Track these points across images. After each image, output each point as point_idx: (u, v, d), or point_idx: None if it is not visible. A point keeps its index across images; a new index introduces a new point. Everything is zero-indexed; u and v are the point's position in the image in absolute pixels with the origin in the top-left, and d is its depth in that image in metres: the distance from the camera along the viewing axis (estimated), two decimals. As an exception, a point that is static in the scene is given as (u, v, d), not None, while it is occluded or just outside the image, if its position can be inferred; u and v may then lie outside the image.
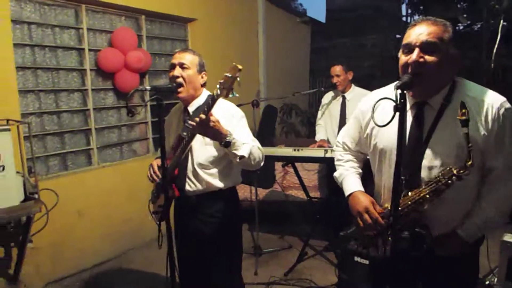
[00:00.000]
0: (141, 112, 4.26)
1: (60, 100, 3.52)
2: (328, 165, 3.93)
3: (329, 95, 3.93)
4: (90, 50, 3.68)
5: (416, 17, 8.13)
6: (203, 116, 1.67)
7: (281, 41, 6.68)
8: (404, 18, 8.18)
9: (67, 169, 3.59)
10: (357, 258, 2.75)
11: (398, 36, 8.00)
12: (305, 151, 3.23)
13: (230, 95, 1.60)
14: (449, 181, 1.35)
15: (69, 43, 3.56)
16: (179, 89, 1.95)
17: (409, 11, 8.20)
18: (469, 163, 1.30)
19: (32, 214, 2.67)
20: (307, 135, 6.48)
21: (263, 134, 4.88)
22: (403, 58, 1.43)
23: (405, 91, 1.25)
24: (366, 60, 7.79)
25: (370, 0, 7.97)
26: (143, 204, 3.93)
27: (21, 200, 2.63)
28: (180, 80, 1.94)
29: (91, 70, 3.70)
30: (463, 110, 1.27)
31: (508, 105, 1.40)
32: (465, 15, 6.49)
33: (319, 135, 3.95)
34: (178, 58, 1.97)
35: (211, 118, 1.68)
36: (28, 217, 2.70)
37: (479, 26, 6.91)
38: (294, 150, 3.24)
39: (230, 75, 1.56)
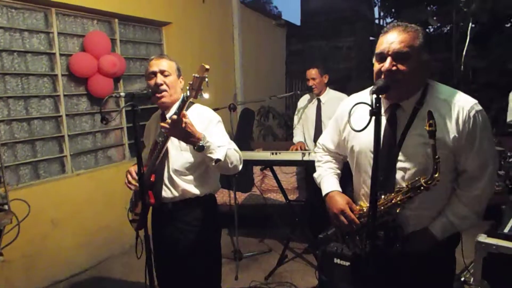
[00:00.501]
0: (116, 118, 4.17)
1: (30, 106, 3.41)
2: (306, 168, 3.97)
3: (304, 98, 3.96)
4: (61, 54, 3.58)
5: (388, 19, 8.31)
6: (174, 116, 1.64)
7: (257, 44, 6.69)
8: (377, 21, 8.32)
9: (39, 177, 3.47)
10: (336, 260, 2.80)
11: (372, 38, 8.13)
12: (283, 154, 3.23)
13: (199, 96, 1.59)
14: (418, 191, 1.38)
15: (39, 47, 3.45)
16: (163, 94, 1.92)
17: (382, 13, 8.36)
18: (436, 175, 1.33)
19: (2, 226, 2.57)
20: (285, 138, 6.50)
21: (241, 137, 4.86)
22: (376, 65, 1.46)
23: (379, 96, 1.27)
24: (341, 62, 7.89)
25: (344, 3, 8.07)
26: (120, 211, 3.88)
27: (-11, 212, 2.53)
28: (164, 87, 1.91)
29: (62, 75, 3.60)
30: (430, 121, 1.28)
31: (478, 107, 1.44)
32: (435, 18, 6.66)
33: (297, 138, 3.99)
34: (157, 65, 1.94)
35: (185, 120, 1.65)
36: (-2, 230, 2.59)
37: (448, 28, 7.11)
38: (272, 153, 3.23)
39: (198, 76, 1.55)
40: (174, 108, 1.99)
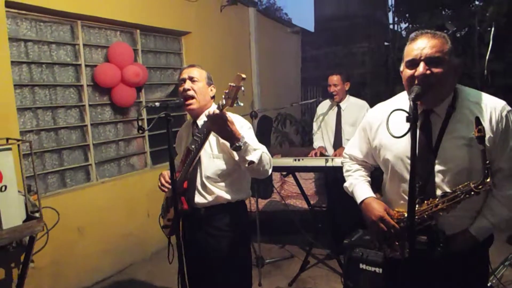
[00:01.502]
0: (144, 127, 4.24)
1: (57, 116, 3.51)
2: (327, 174, 3.98)
3: (324, 104, 3.98)
4: (86, 65, 3.68)
5: (403, 25, 8.28)
6: (217, 111, 1.67)
7: (273, 52, 6.75)
8: (391, 26, 8.30)
9: (66, 186, 3.56)
10: (362, 266, 2.81)
11: (386, 43, 8.12)
12: (305, 160, 3.26)
13: (235, 104, 1.62)
14: (467, 196, 1.40)
15: (66, 59, 3.55)
16: (191, 101, 1.98)
17: (396, 19, 8.33)
18: (488, 180, 1.35)
19: (35, 234, 2.65)
20: (301, 144, 6.52)
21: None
22: (407, 71, 1.48)
23: (417, 102, 1.30)
24: (356, 68, 7.90)
25: (357, 9, 8.10)
26: (142, 219, 3.98)
27: (23, 220, 2.60)
28: (191, 92, 1.97)
29: (88, 85, 3.70)
30: (479, 127, 1.31)
31: (508, 107, 1.48)
32: (450, 22, 6.63)
33: (317, 142, 3.99)
34: (187, 72, 2.01)
35: (228, 118, 1.69)
36: (31, 237, 2.67)
37: (464, 31, 7.05)
38: (295, 160, 3.26)
39: (234, 85, 1.58)
40: (205, 116, 2.04)
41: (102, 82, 3.67)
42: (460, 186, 1.42)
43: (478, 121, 1.33)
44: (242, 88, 1.59)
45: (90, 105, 3.72)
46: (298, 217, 4.25)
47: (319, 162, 3.20)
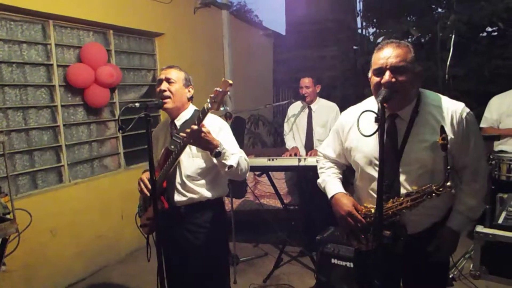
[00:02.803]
0: (111, 127, 4.23)
1: (28, 117, 3.45)
2: (299, 173, 4.10)
3: (295, 106, 4.09)
4: (58, 65, 3.63)
5: (371, 29, 8.58)
6: (195, 126, 1.74)
7: (246, 54, 6.83)
8: (360, 31, 8.59)
9: (38, 187, 3.50)
10: (334, 260, 2.93)
11: (355, 47, 8.38)
12: (279, 160, 3.36)
13: (221, 109, 1.70)
14: (429, 197, 1.53)
15: (37, 59, 3.50)
16: (166, 100, 2.02)
17: (364, 24, 8.62)
18: (448, 183, 1.48)
19: (7, 236, 2.60)
20: (273, 145, 6.63)
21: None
22: (375, 79, 1.60)
23: (384, 104, 1.41)
24: (326, 71, 8.10)
25: (327, 13, 8.30)
26: (116, 220, 3.97)
27: (-5, 222, 2.55)
28: (167, 93, 2.02)
29: (60, 86, 3.65)
30: (443, 135, 1.44)
31: (467, 109, 1.63)
32: (414, 28, 6.94)
33: (290, 143, 4.09)
34: (165, 73, 2.06)
35: (203, 129, 1.76)
36: (3, 239, 2.62)
37: (428, 38, 7.39)
38: (269, 159, 3.36)
39: (220, 90, 1.66)
40: (183, 117, 2.10)
41: (75, 83, 3.64)
42: (423, 188, 1.54)
43: (442, 130, 1.45)
44: (228, 93, 1.67)
45: (62, 106, 3.68)
46: (272, 216, 4.35)
47: (293, 161, 3.31)
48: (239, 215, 4.29)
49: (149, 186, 2.00)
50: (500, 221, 1.25)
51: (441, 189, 1.49)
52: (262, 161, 3.38)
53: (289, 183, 4.92)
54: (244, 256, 3.89)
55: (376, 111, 1.39)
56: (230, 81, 1.64)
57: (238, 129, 5.36)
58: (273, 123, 6.75)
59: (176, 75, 2.08)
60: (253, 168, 3.70)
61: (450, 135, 1.56)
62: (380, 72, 1.57)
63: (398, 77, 1.54)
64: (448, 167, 1.46)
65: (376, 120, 1.38)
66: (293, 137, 4.12)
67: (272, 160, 3.34)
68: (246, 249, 4.15)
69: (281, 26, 9.14)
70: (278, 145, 6.36)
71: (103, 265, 3.89)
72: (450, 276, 3.04)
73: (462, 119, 1.58)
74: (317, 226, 3.34)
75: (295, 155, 3.70)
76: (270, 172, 3.86)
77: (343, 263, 2.84)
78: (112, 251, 3.98)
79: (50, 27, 3.56)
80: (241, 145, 5.64)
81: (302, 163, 3.22)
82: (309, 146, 3.91)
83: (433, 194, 1.51)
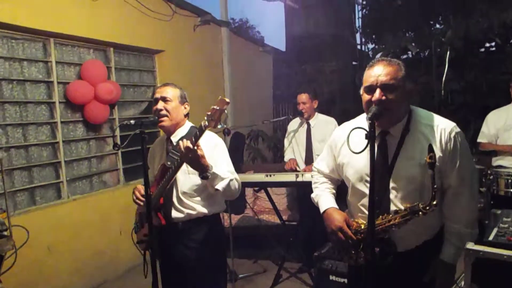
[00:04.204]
0: (110, 144, 4.25)
1: (28, 133, 3.48)
2: (298, 189, 4.10)
3: (294, 122, 4.12)
4: (59, 82, 3.68)
5: (370, 45, 8.66)
6: (190, 145, 1.76)
7: (245, 70, 6.91)
8: (359, 46, 8.66)
9: (36, 203, 3.51)
10: (332, 277, 2.91)
11: (354, 63, 8.44)
12: (277, 176, 3.36)
13: (219, 126, 1.72)
14: (416, 215, 1.52)
15: (37, 76, 3.55)
16: (162, 118, 2.05)
17: (363, 39, 8.71)
18: (434, 202, 1.48)
19: (4, 253, 2.60)
20: (274, 160, 6.64)
21: (232, 161, 4.98)
22: (366, 96, 1.61)
23: (374, 122, 1.43)
24: (325, 86, 8.14)
25: (327, 29, 8.38)
26: (115, 236, 3.95)
27: (-9, 238, 2.55)
28: (164, 112, 2.05)
29: (60, 102, 3.69)
30: (431, 154, 1.44)
31: (457, 129, 1.63)
32: (413, 44, 7.01)
33: (288, 156, 4.10)
34: (160, 92, 2.09)
35: (199, 151, 1.78)
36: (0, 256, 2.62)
37: (427, 53, 7.46)
38: (267, 175, 3.36)
39: (217, 108, 1.68)
40: (179, 132, 2.12)
41: (75, 99, 3.68)
42: (409, 206, 1.54)
43: (430, 148, 1.46)
44: (226, 111, 1.69)
45: (62, 122, 3.71)
46: (271, 231, 4.33)
47: (290, 177, 3.31)
48: (238, 231, 4.28)
49: (143, 194, 2.00)
50: (490, 238, 1.25)
51: (427, 207, 1.49)
52: (260, 177, 3.39)
53: (289, 198, 4.92)
54: (243, 273, 3.86)
55: (367, 128, 1.40)
56: (227, 99, 1.67)
57: (238, 144, 5.39)
58: (272, 138, 6.76)
59: (172, 93, 2.11)
60: (251, 184, 3.72)
61: (438, 153, 1.56)
62: (370, 89, 1.59)
63: (388, 95, 1.55)
64: (435, 186, 1.46)
65: (366, 137, 1.39)
66: (293, 152, 4.13)
67: (270, 176, 3.35)
68: (245, 265, 4.12)
69: (282, 42, 9.24)
70: (278, 160, 6.36)
71: (101, 281, 3.87)
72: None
73: (450, 138, 1.59)
74: (316, 242, 3.32)
75: (294, 167, 3.70)
76: (270, 188, 3.87)
77: (341, 280, 2.82)
78: (110, 267, 3.95)
79: (51, 45, 3.62)
80: (241, 160, 5.70)
81: (299, 179, 3.22)
82: (309, 161, 3.91)
83: (420, 213, 1.51)
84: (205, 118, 1.72)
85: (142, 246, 2.17)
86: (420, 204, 1.51)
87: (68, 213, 3.63)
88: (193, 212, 2.06)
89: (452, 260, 1.61)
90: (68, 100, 3.70)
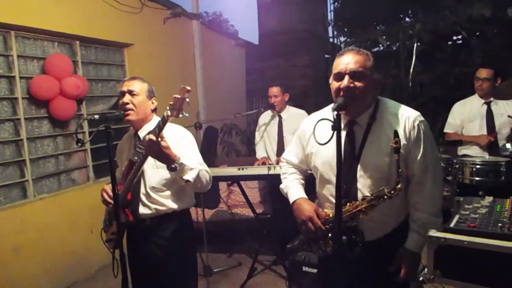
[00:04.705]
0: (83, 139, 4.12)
1: (-11, 131, 3.33)
2: (270, 182, 4.10)
3: (265, 115, 4.13)
4: (21, 77, 3.53)
5: (342, 38, 8.75)
6: (153, 137, 1.72)
7: (217, 64, 6.85)
8: (331, 40, 8.74)
9: (0, 204, 3.37)
10: (305, 268, 2.93)
11: (327, 56, 8.52)
12: (249, 169, 3.35)
13: (181, 115, 1.69)
14: (382, 199, 1.55)
15: (-2, 71, 3.40)
16: (128, 112, 2.00)
17: (335, 33, 8.80)
18: (398, 186, 1.50)
19: (-36, 255, 2.49)
20: (248, 154, 6.64)
21: (205, 155, 4.92)
22: (334, 84, 1.63)
23: (340, 112, 1.43)
24: (298, 80, 8.19)
25: (299, 23, 8.41)
26: (85, 235, 3.86)
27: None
28: (130, 106, 2.00)
29: (23, 98, 3.55)
30: (396, 139, 1.47)
31: (421, 118, 1.66)
32: (384, 37, 7.14)
33: (260, 153, 4.13)
34: (127, 85, 2.03)
35: (163, 143, 1.74)
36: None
37: (397, 46, 7.61)
38: (239, 169, 3.34)
39: (179, 96, 1.65)
40: (147, 127, 2.07)
41: (39, 95, 3.54)
42: (375, 191, 1.57)
43: (396, 134, 1.49)
44: (187, 100, 1.66)
45: (26, 119, 3.57)
46: (245, 225, 4.33)
47: (262, 170, 3.31)
48: (211, 226, 4.26)
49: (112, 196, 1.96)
50: (452, 224, 1.28)
51: (392, 191, 1.52)
52: (232, 171, 3.37)
53: (262, 192, 4.92)
54: (218, 267, 3.85)
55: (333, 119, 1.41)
56: (188, 88, 1.64)
57: (211, 138, 5.36)
58: (246, 132, 6.76)
59: (139, 87, 2.06)
60: (223, 178, 3.70)
61: (403, 141, 1.59)
62: (339, 77, 1.60)
63: (356, 82, 1.57)
64: (400, 170, 1.48)
65: (333, 128, 1.39)
66: (265, 146, 4.15)
67: (242, 169, 3.33)
68: (219, 259, 4.11)
69: (256, 36, 9.20)
70: (252, 154, 6.37)
71: (72, 282, 3.77)
72: (420, 279, 3.08)
73: (414, 126, 1.61)
74: (289, 234, 3.34)
75: (264, 164, 3.72)
76: (244, 181, 3.86)
77: (314, 271, 2.84)
78: (81, 267, 3.86)
79: (12, 38, 3.47)
80: (214, 154, 5.66)
81: (272, 172, 3.22)
82: (281, 154, 3.92)
83: (385, 197, 1.53)
84: (167, 108, 1.69)
85: (111, 245, 2.12)
86: (385, 189, 1.53)
87: (35, 213, 3.51)
88: (161, 208, 2.02)
89: (417, 249, 1.64)
90: (31, 95, 3.56)
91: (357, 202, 1.60)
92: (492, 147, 3.45)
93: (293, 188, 1.88)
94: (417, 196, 1.66)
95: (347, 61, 1.59)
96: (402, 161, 1.57)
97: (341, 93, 1.58)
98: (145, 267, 2.09)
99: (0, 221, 3.20)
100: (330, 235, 1.65)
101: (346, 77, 1.58)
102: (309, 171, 1.94)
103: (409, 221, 1.69)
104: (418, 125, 1.62)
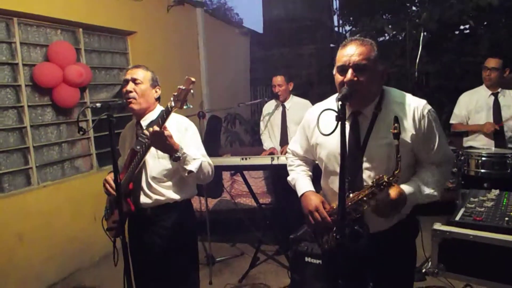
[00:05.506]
0: (85, 128, 4.12)
1: (-7, 118, 3.33)
2: (273, 172, 4.10)
3: (269, 104, 4.10)
4: (24, 65, 3.51)
5: (347, 27, 8.65)
6: (156, 128, 1.71)
7: (221, 52, 6.79)
8: (336, 29, 8.65)
9: (4, 191, 3.38)
10: (307, 259, 2.93)
11: (332, 45, 8.44)
12: (253, 159, 3.34)
13: (185, 107, 1.67)
14: (382, 187, 1.51)
15: (1, 58, 3.38)
16: (130, 100, 1.98)
17: (341, 22, 8.69)
18: (397, 171, 1.47)
19: (-31, 242, 2.51)
20: (251, 143, 6.62)
21: (209, 144, 4.92)
22: (338, 77, 1.60)
23: (344, 103, 1.41)
24: (304, 69, 8.13)
25: (304, 12, 8.33)
26: (88, 222, 3.88)
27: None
28: (133, 94, 1.98)
29: (26, 85, 3.53)
30: (395, 125, 1.43)
31: (429, 106, 1.63)
32: (390, 26, 7.04)
33: (267, 144, 4.10)
34: (131, 73, 2.01)
35: (166, 132, 1.73)
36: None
37: (403, 35, 7.51)
38: (242, 159, 3.33)
39: (183, 88, 1.63)
40: (149, 116, 2.06)
41: (42, 82, 3.53)
42: (375, 179, 1.53)
43: (396, 120, 1.45)
44: (192, 91, 1.64)
45: (29, 106, 3.56)
46: (248, 215, 4.33)
47: (266, 160, 3.29)
48: (215, 215, 4.27)
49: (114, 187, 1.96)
50: (457, 218, 1.26)
51: (391, 178, 1.48)
52: (236, 160, 3.36)
53: (267, 181, 4.92)
54: (220, 256, 3.86)
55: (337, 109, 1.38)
56: (193, 79, 1.62)
57: (214, 127, 5.33)
58: (250, 121, 6.74)
59: (142, 75, 2.04)
60: (227, 168, 3.69)
61: (411, 131, 1.56)
62: (343, 70, 1.57)
63: (360, 76, 1.53)
64: (399, 155, 1.44)
65: (337, 119, 1.37)
66: (269, 136, 4.12)
67: (246, 159, 3.32)
68: (223, 249, 4.12)
69: (260, 24, 9.11)
70: (256, 144, 6.35)
71: (75, 269, 3.80)
72: (423, 271, 3.08)
73: (423, 115, 1.59)
74: (292, 224, 3.33)
75: (272, 154, 3.70)
76: (248, 172, 3.85)
77: (317, 261, 2.84)
78: (84, 254, 3.89)
79: (15, 25, 3.44)
80: (218, 143, 5.65)
81: (275, 162, 3.20)
82: (284, 143, 3.92)
83: (385, 184, 1.49)
84: (171, 98, 1.67)
85: (112, 233, 2.12)
86: (384, 176, 1.50)
87: (39, 200, 3.52)
88: (162, 198, 2.01)
89: (407, 192, 1.55)
90: (35, 83, 3.54)
91: (359, 191, 1.58)
92: (498, 138, 3.41)
93: (300, 181, 1.86)
94: (430, 175, 1.62)
95: (350, 52, 1.55)
96: (409, 151, 1.54)
97: (345, 86, 1.55)
98: (146, 256, 2.09)
99: (4, 208, 3.22)
100: (335, 228, 1.63)
101: (350, 71, 1.54)
102: (316, 161, 1.92)
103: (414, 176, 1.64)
104: (427, 113, 1.59)
